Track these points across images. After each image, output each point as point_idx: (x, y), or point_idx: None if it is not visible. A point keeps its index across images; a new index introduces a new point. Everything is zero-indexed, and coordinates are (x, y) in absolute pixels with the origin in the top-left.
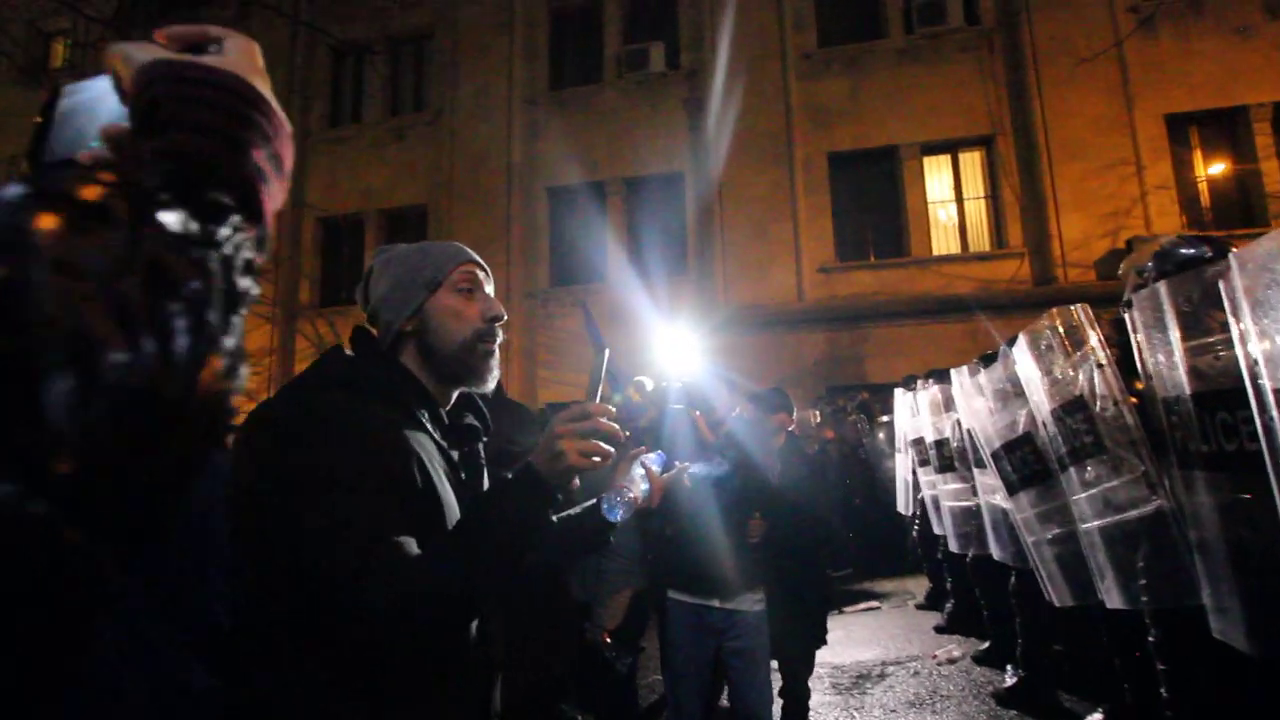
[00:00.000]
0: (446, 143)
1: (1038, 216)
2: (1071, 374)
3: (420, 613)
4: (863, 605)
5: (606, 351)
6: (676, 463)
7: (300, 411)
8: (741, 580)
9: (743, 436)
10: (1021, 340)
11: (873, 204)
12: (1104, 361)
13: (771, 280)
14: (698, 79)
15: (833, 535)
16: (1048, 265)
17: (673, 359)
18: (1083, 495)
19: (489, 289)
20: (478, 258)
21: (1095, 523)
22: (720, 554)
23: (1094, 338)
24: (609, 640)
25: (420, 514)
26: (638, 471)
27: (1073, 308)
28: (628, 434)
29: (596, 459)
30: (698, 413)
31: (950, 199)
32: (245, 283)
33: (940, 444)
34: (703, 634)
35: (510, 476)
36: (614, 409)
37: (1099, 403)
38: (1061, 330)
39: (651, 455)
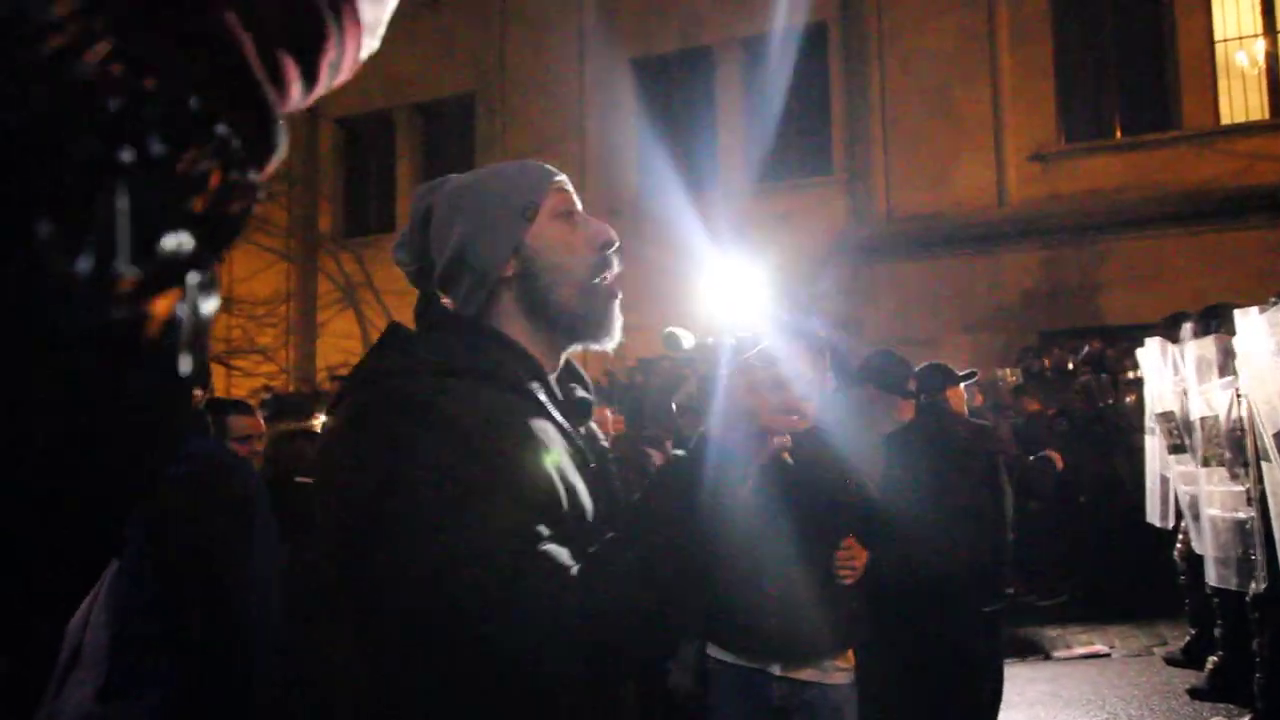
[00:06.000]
0: (496, 8)
1: None
2: None
3: (598, 637)
4: (1082, 650)
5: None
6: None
7: (397, 411)
8: (819, 637)
9: (835, 426)
10: None
11: (1122, 54)
12: None
13: (958, 177)
14: None
15: (985, 569)
16: None
17: (738, 301)
18: None
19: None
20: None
21: None
22: (786, 597)
23: None
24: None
25: (560, 518)
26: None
27: None
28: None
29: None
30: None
31: (1254, 33)
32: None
33: (1208, 422)
34: (756, 711)
35: (683, 455)
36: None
37: None
38: None
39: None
